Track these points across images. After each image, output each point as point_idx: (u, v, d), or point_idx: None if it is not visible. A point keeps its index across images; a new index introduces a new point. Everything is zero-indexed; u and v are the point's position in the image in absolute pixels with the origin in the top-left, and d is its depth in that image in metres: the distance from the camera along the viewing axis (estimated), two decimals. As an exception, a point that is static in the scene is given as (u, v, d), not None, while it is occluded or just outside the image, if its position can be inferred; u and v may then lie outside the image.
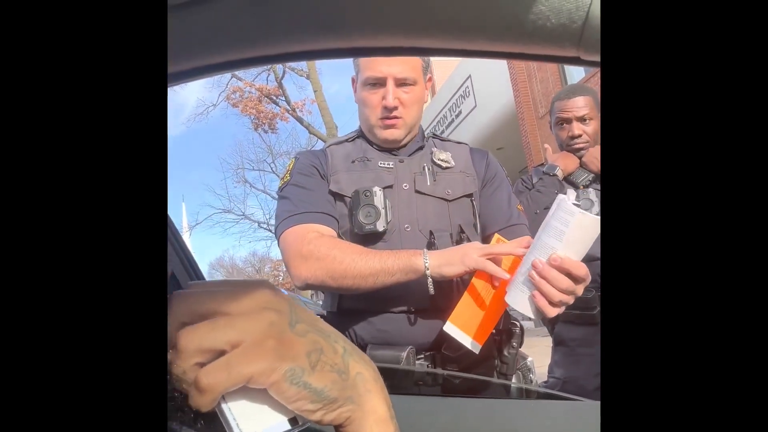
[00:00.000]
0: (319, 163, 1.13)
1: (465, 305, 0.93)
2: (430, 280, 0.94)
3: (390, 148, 1.16)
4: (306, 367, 0.32)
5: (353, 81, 1.21)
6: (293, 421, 0.33)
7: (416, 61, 1.12)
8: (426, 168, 1.13)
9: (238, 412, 0.32)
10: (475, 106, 9.09)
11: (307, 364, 0.32)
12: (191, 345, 0.30)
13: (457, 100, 9.71)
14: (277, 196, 1.13)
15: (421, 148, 1.18)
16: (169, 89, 0.45)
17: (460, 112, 9.59)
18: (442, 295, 0.98)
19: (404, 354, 0.98)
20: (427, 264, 0.94)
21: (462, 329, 0.93)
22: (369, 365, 0.36)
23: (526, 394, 0.98)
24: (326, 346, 0.34)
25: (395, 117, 1.12)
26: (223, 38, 0.41)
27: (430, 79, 1.19)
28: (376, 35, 0.37)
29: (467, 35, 0.34)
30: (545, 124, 7.33)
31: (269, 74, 14.29)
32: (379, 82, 1.11)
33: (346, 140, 1.19)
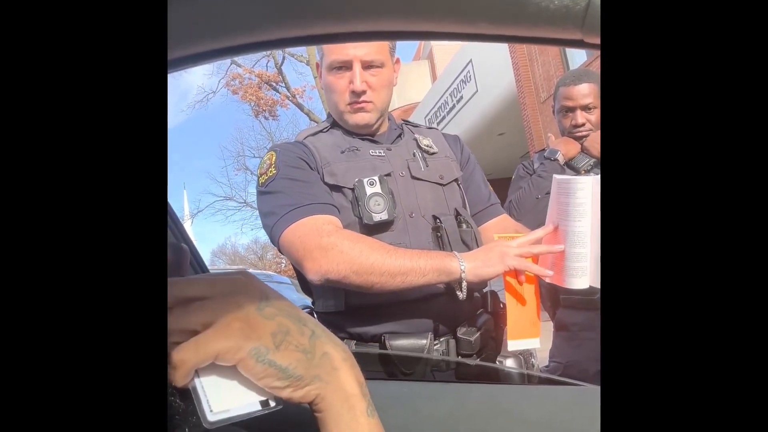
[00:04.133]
0: (305, 155, 1.07)
1: (514, 316, 0.94)
2: (464, 284, 0.92)
3: (369, 136, 1.13)
4: (270, 347, 0.35)
5: (317, 66, 1.16)
6: (264, 403, 0.36)
7: (383, 43, 1.09)
8: (416, 154, 1.12)
9: (209, 389, 0.34)
10: (477, 91, 9.03)
11: (271, 343, 0.35)
12: (170, 326, 0.33)
13: (458, 85, 9.64)
14: (259, 192, 1.06)
15: (400, 135, 1.17)
16: (170, 77, 0.45)
17: (462, 97, 9.53)
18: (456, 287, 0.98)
19: (425, 342, 0.97)
20: (463, 267, 0.91)
21: (524, 337, 0.94)
22: (337, 346, 0.39)
23: (527, 379, 0.99)
24: (293, 328, 0.37)
25: (364, 101, 1.08)
26: (222, 23, 0.40)
27: (397, 61, 1.16)
28: (377, 19, 0.36)
29: (469, 18, 0.34)
30: (547, 108, 7.28)
31: (269, 60, 14.20)
32: (344, 66, 1.07)
33: (321, 131, 1.15)
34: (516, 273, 0.92)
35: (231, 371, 0.35)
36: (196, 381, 0.34)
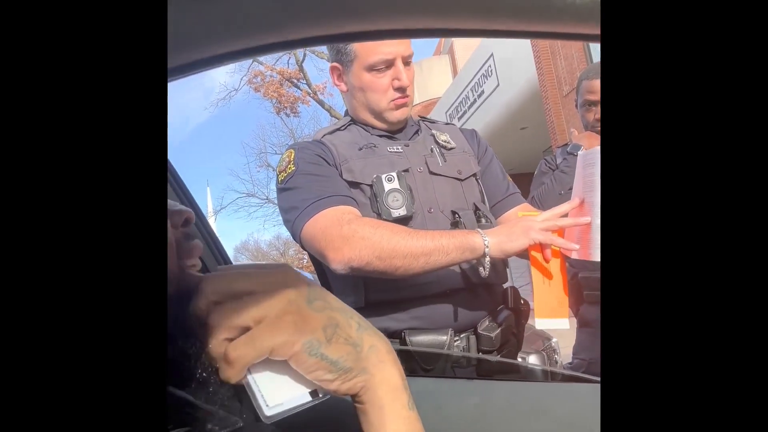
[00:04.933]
0: (324, 152, 1.08)
1: (541, 293, 0.92)
2: (488, 259, 0.90)
3: (387, 133, 1.14)
4: (322, 340, 0.35)
5: (335, 69, 1.16)
6: (313, 393, 0.36)
7: None
8: (433, 150, 1.12)
9: (263, 384, 0.35)
10: (498, 85, 8.94)
11: (323, 336, 0.35)
12: (220, 322, 0.34)
13: (479, 79, 9.55)
14: (279, 189, 1.07)
15: (417, 131, 1.17)
16: (195, 76, 0.45)
17: (483, 92, 9.44)
18: (475, 274, 0.97)
19: (446, 338, 0.97)
20: (486, 242, 0.90)
21: (552, 317, 0.92)
22: (382, 339, 0.39)
23: (551, 376, 0.98)
24: (342, 321, 0.37)
25: (407, 96, 1.10)
26: (245, 24, 0.41)
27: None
28: (399, 17, 0.36)
29: (493, 15, 0.33)
30: (570, 102, 7.17)
31: (290, 57, 14.27)
32: (387, 65, 1.08)
33: (339, 129, 1.15)
34: (542, 248, 0.91)
35: (280, 365, 0.35)
36: (249, 377, 0.35)
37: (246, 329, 0.34)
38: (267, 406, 0.34)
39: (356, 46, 1.08)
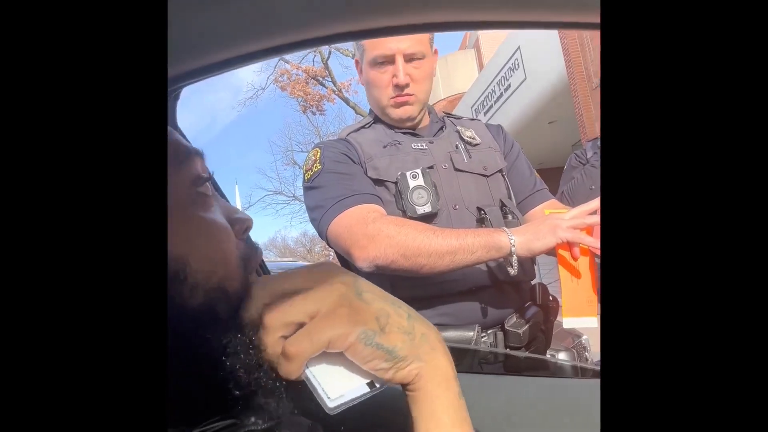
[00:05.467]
0: (349, 151, 1.08)
1: (568, 291, 0.90)
2: (515, 258, 0.89)
3: (410, 129, 1.13)
4: (376, 330, 0.36)
5: (357, 63, 1.16)
6: (371, 385, 0.37)
7: (424, 34, 1.07)
8: (458, 146, 1.11)
9: (321, 378, 0.36)
10: (525, 78, 8.80)
11: (377, 326, 0.36)
12: (275, 321, 0.35)
13: (505, 73, 9.43)
14: (306, 188, 1.08)
15: (442, 128, 1.16)
16: (222, 75, 0.46)
17: (509, 85, 9.31)
18: (502, 271, 0.96)
19: (473, 334, 0.96)
20: (513, 241, 0.89)
21: (579, 315, 0.90)
22: (431, 328, 0.40)
23: (581, 372, 0.97)
24: (392, 311, 0.38)
25: (407, 94, 1.08)
26: (271, 23, 0.41)
27: (435, 52, 1.15)
28: (424, 11, 0.36)
29: (493, 6, 0.33)
30: (599, 95, 6.99)
31: (315, 56, 14.36)
32: (387, 60, 1.07)
33: (363, 126, 1.15)
34: (569, 246, 0.89)
35: (335, 358, 0.36)
36: (307, 371, 0.35)
37: (300, 325, 0.35)
38: (329, 398, 0.35)
39: (366, 42, 1.08)
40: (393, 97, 1.09)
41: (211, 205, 0.40)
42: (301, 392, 0.36)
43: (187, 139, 0.46)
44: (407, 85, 1.07)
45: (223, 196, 0.94)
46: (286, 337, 0.35)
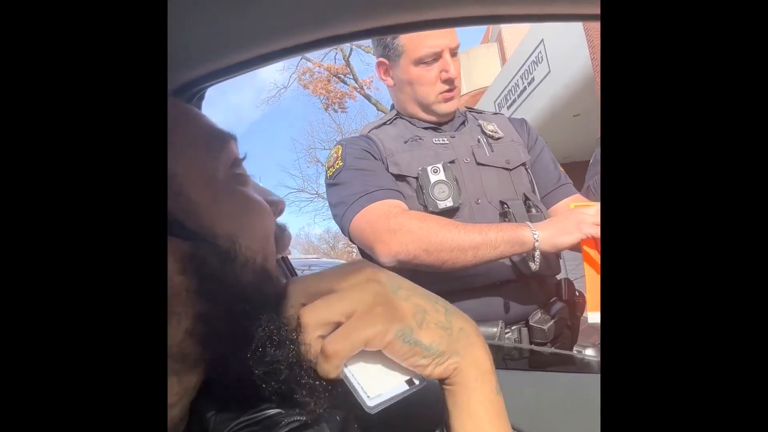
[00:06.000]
0: (370, 147, 1.09)
1: (593, 287, 0.89)
2: (537, 254, 0.89)
3: (436, 125, 1.13)
4: (414, 326, 0.35)
5: (381, 65, 1.15)
6: (409, 382, 0.36)
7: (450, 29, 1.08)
8: (480, 140, 1.10)
9: (360, 377, 0.35)
10: (549, 71, 8.66)
11: (414, 323, 0.36)
12: (312, 320, 0.35)
13: (529, 66, 9.29)
14: (328, 184, 1.09)
15: (464, 122, 1.15)
16: (246, 75, 0.46)
17: (533, 79, 9.18)
18: (526, 265, 0.96)
19: (496, 330, 0.96)
20: (536, 236, 0.88)
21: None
22: (469, 321, 0.39)
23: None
24: (429, 307, 0.37)
25: (454, 87, 1.09)
26: (293, 22, 0.42)
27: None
28: (449, 6, 0.36)
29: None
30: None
31: (337, 53, 14.40)
32: (435, 58, 1.07)
33: (385, 123, 1.15)
34: (594, 242, 0.88)
35: (373, 356, 0.36)
36: (345, 371, 0.35)
37: (337, 325, 0.35)
38: (368, 397, 0.34)
39: (404, 41, 1.08)
40: (443, 93, 1.09)
41: (250, 185, 0.41)
42: (340, 393, 0.36)
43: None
44: (456, 78, 1.08)
45: None
46: (323, 337, 0.35)
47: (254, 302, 0.36)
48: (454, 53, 1.08)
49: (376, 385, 0.35)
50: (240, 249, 0.36)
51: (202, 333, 0.35)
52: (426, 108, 1.12)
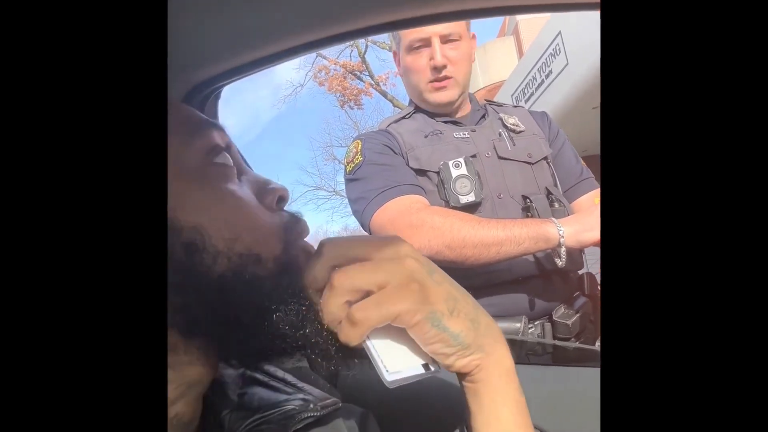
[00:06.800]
0: (390, 141, 1.07)
1: None
2: (563, 250, 0.87)
3: (451, 118, 1.11)
4: (445, 312, 0.35)
5: (395, 55, 1.15)
6: (425, 366, 0.36)
7: None
8: (501, 134, 1.08)
9: (381, 351, 0.35)
10: (567, 63, 8.54)
11: (445, 309, 0.35)
12: (344, 284, 0.34)
13: (546, 59, 9.17)
14: (347, 180, 1.08)
15: (484, 116, 1.13)
16: (262, 73, 0.46)
17: (551, 71, 9.06)
18: (550, 261, 0.95)
19: (520, 325, 0.95)
20: (561, 232, 0.86)
21: None
22: (492, 320, 0.38)
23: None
24: (459, 296, 0.37)
25: (446, 77, 1.06)
26: (307, 18, 0.42)
27: (473, 36, 1.12)
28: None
29: None
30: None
31: (352, 50, 14.40)
32: (423, 43, 1.05)
33: (404, 117, 1.14)
34: None
35: (396, 333, 0.35)
36: (368, 342, 0.35)
37: (367, 294, 0.34)
38: (388, 371, 0.34)
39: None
40: (431, 81, 1.07)
41: (230, 175, 0.40)
42: (356, 363, 0.36)
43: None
44: (444, 67, 1.05)
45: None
46: (349, 303, 0.34)
47: (239, 291, 0.35)
48: (446, 40, 1.05)
49: (396, 362, 0.35)
50: (208, 240, 0.35)
51: (181, 322, 0.35)
52: (420, 97, 1.11)
